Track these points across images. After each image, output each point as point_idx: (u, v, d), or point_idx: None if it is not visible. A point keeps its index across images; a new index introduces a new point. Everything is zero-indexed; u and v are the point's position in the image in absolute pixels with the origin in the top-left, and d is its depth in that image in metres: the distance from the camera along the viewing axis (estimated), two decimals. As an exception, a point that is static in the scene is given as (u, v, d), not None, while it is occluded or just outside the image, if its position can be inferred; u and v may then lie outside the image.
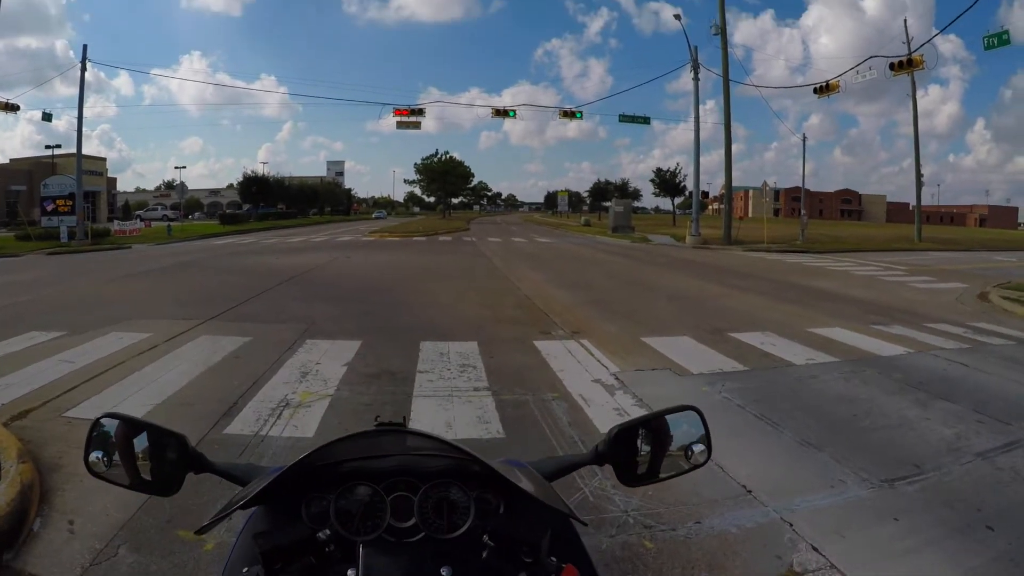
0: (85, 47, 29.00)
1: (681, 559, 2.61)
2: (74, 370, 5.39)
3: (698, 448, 1.04)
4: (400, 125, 29.45)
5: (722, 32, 26.13)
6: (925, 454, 3.71)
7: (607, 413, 4.40)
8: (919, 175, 36.35)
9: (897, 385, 5.22)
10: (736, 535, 2.78)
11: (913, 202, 37.21)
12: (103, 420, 1.01)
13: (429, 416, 4.29)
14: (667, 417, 1.06)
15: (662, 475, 1.05)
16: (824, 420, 4.30)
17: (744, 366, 5.78)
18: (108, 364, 5.59)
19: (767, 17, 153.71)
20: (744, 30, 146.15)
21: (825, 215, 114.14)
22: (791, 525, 2.85)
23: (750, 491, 3.17)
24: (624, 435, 1.06)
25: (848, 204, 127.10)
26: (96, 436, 1.00)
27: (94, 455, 0.98)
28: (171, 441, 1.01)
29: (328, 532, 0.86)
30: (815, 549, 2.65)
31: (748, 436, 4.00)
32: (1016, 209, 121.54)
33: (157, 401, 4.56)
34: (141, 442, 0.99)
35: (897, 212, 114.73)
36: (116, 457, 0.98)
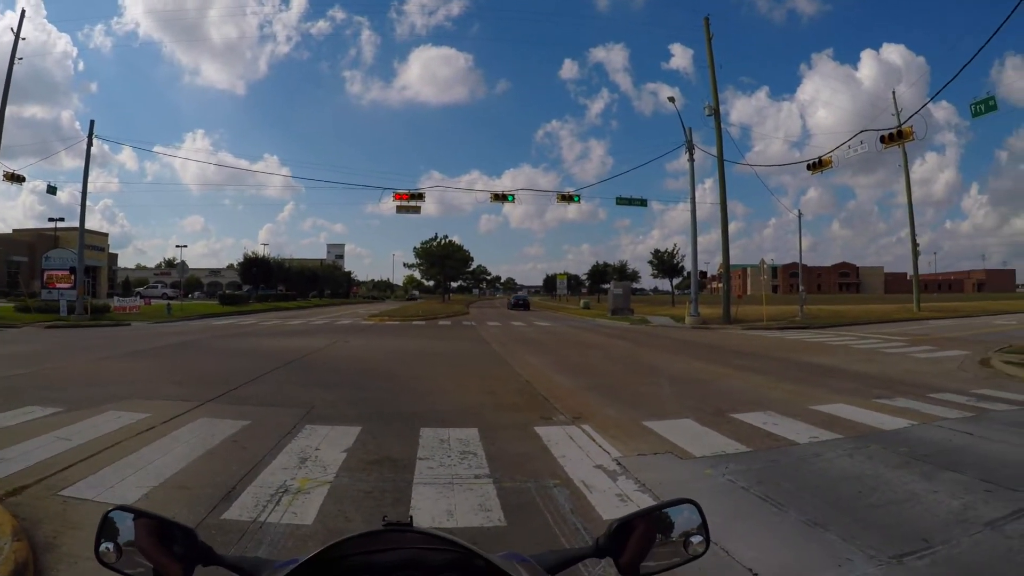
0: (92, 123, 28.01)
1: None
2: (70, 448, 5.35)
3: (696, 539, 1.07)
4: (400, 209, 29.35)
5: (715, 113, 26.93)
6: (933, 527, 3.66)
7: (610, 499, 4.32)
8: (915, 244, 37.06)
9: (902, 459, 5.17)
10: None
11: (911, 272, 37.74)
12: (114, 512, 1.03)
13: (430, 504, 4.21)
14: (666, 510, 1.09)
15: (662, 566, 1.07)
16: (829, 498, 4.24)
17: (747, 447, 5.71)
18: (105, 443, 5.54)
19: (762, 95, 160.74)
20: (740, 108, 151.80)
21: (823, 289, 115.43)
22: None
23: (756, 575, 3.10)
24: (624, 528, 1.08)
25: (846, 277, 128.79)
26: (107, 527, 1.02)
27: (104, 546, 1.00)
28: (181, 534, 1.03)
29: None
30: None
31: (753, 518, 3.92)
32: (1013, 271, 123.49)
33: (154, 483, 4.50)
34: (151, 534, 1.02)
35: (895, 283, 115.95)
36: (126, 549, 1.00)
